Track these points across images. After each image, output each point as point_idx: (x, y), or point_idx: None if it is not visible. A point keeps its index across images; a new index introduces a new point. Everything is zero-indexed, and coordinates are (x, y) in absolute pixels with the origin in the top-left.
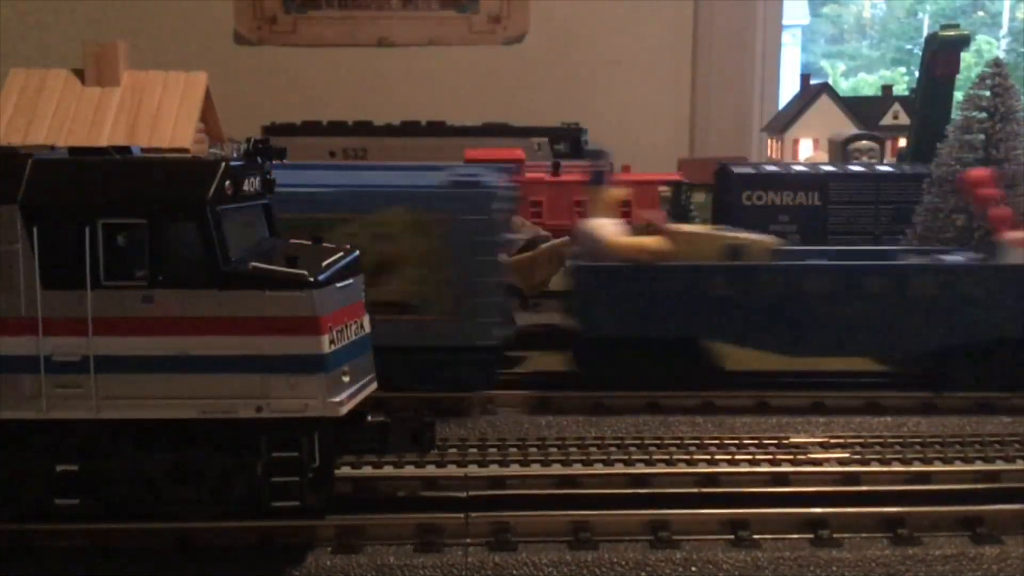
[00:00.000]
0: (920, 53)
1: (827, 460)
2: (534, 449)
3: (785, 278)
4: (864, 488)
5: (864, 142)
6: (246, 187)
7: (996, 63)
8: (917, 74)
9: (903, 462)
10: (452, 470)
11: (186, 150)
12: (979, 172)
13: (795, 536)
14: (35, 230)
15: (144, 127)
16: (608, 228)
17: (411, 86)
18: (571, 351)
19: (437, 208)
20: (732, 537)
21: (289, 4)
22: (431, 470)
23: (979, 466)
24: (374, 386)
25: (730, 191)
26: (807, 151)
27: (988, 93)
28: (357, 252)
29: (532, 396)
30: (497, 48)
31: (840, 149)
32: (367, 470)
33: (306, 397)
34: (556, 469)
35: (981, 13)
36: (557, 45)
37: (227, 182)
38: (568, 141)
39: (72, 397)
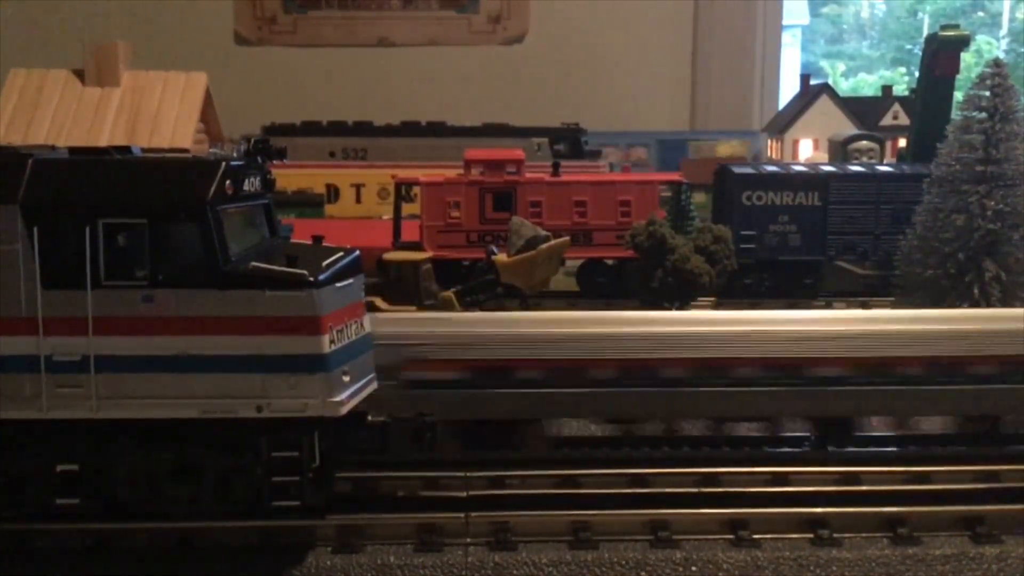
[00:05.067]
0: (920, 53)
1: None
2: None
3: None
4: (864, 488)
5: (864, 142)
6: (246, 187)
7: (996, 63)
8: (917, 74)
9: (903, 462)
10: (452, 470)
11: (186, 150)
12: None
13: (795, 536)
14: (35, 230)
15: (144, 127)
16: None
17: (411, 86)
18: None
19: None
20: (732, 537)
21: (289, 4)
22: (431, 470)
23: (979, 466)
24: (375, 386)
25: (730, 191)
26: (807, 151)
27: (988, 93)
28: (357, 252)
29: None
30: (497, 48)
31: (840, 149)
32: (367, 470)
33: (306, 397)
34: (556, 469)
35: (981, 13)
36: (557, 45)
37: (227, 182)
38: (568, 141)
39: (72, 397)
